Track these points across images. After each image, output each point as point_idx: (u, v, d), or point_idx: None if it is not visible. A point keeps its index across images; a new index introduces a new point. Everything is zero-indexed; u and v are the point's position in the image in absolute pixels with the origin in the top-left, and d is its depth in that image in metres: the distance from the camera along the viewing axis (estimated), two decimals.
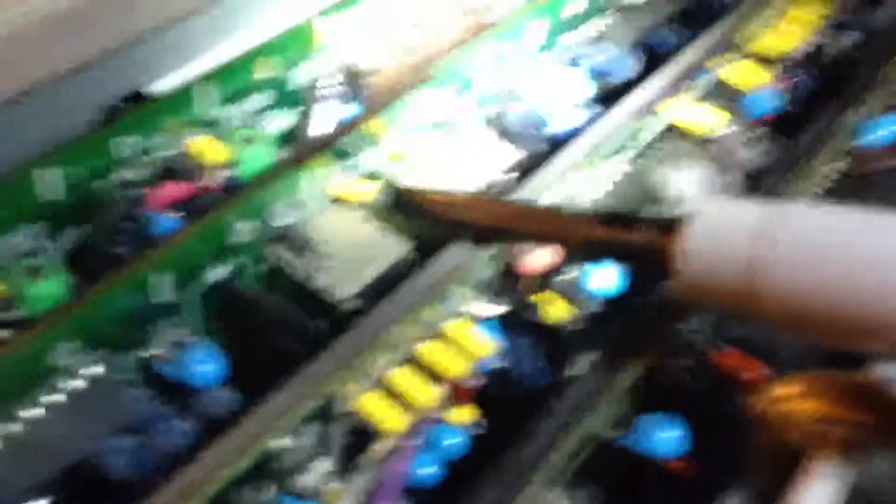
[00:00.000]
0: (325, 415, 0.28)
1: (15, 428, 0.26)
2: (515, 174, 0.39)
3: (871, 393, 0.29)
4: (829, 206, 0.26)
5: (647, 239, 0.28)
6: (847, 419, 0.28)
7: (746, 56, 0.47)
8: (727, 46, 0.44)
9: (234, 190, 0.34)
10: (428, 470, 0.32)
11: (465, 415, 0.32)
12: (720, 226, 0.26)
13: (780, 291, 0.25)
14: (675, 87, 0.41)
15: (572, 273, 0.38)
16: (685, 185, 0.41)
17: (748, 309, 0.26)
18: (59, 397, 0.27)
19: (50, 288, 0.29)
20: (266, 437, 0.26)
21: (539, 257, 0.35)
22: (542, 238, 0.33)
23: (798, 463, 0.29)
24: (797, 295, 0.25)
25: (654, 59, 0.45)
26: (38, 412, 0.27)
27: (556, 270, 0.37)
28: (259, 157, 0.36)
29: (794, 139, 0.44)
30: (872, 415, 0.28)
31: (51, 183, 0.30)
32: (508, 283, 0.35)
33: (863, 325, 0.25)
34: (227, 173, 0.35)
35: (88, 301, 0.27)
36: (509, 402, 0.34)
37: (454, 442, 0.32)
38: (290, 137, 0.40)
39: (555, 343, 0.36)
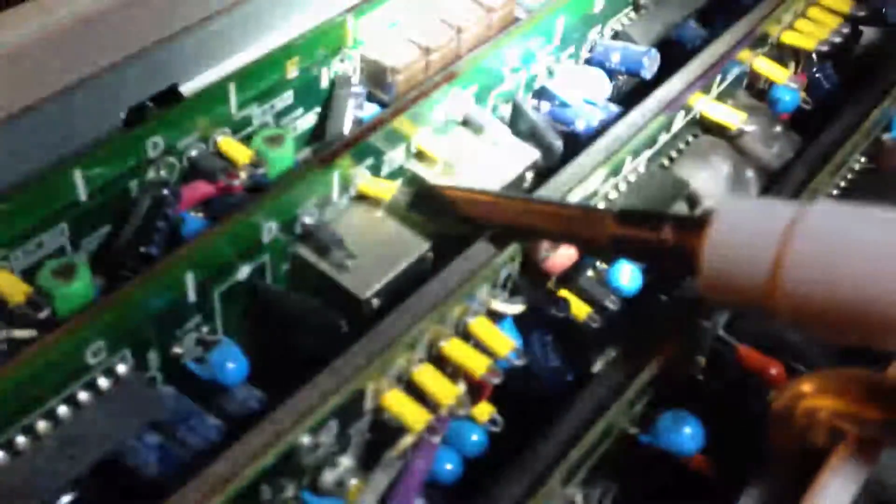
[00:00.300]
0: (348, 411, 0.28)
1: (44, 425, 0.27)
2: (538, 172, 0.39)
3: (891, 390, 0.29)
4: (854, 205, 0.25)
5: (671, 238, 0.28)
6: (866, 417, 0.28)
7: (773, 50, 0.46)
8: (754, 40, 0.43)
9: (261, 189, 0.34)
10: (448, 466, 0.32)
11: (485, 412, 0.32)
12: (745, 225, 0.26)
13: (804, 290, 0.25)
14: (701, 83, 0.40)
15: (592, 271, 0.38)
16: (710, 181, 0.40)
17: (772, 308, 0.26)
18: (88, 395, 0.27)
19: (78, 288, 0.29)
20: (290, 434, 0.26)
21: (562, 255, 0.35)
22: (563, 237, 0.33)
23: (818, 460, 0.29)
24: (822, 294, 0.24)
25: (678, 55, 0.44)
26: (67, 410, 0.27)
27: (576, 269, 0.37)
28: (286, 156, 0.36)
29: (819, 134, 0.44)
30: (892, 412, 0.28)
31: (80, 182, 0.30)
32: (531, 280, 0.35)
33: (888, 325, 0.24)
34: (254, 172, 0.35)
35: (117, 300, 0.28)
36: (530, 400, 0.34)
37: (475, 439, 0.32)
38: (316, 136, 0.40)
39: (576, 340, 0.36)
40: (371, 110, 0.40)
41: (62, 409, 0.27)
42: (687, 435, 0.31)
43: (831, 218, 0.25)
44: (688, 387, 0.34)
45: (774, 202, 0.27)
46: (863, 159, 0.43)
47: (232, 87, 0.35)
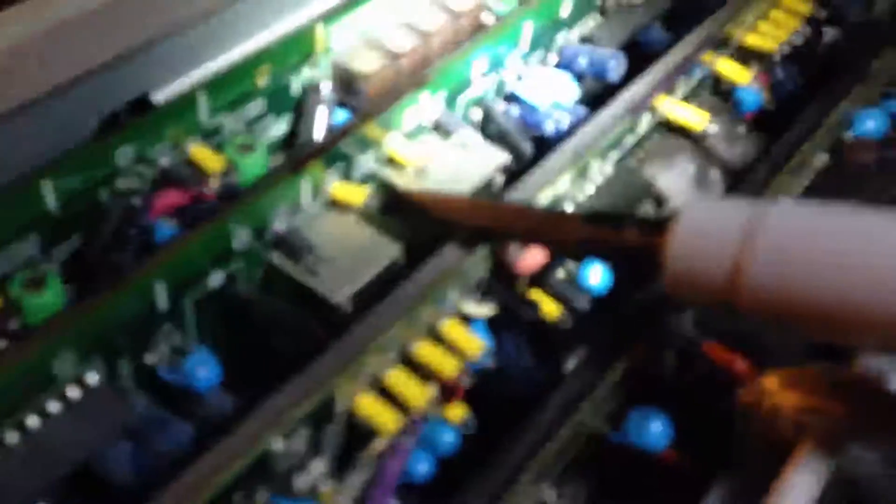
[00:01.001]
0: (321, 416, 0.28)
1: (15, 436, 0.26)
2: (507, 176, 0.39)
3: (854, 385, 0.29)
4: (816, 203, 0.25)
5: (636, 239, 0.28)
6: (829, 412, 0.28)
7: (737, 52, 0.46)
8: (717, 43, 0.43)
9: (233, 197, 0.34)
10: (422, 468, 0.32)
11: (457, 413, 0.31)
12: (707, 224, 0.26)
13: (766, 288, 0.24)
14: (665, 85, 0.40)
15: (563, 272, 0.38)
16: (676, 182, 0.40)
17: (736, 306, 0.25)
18: (60, 405, 0.27)
19: (49, 298, 0.29)
20: (263, 440, 0.25)
21: (532, 256, 0.35)
22: (532, 239, 0.32)
23: (786, 454, 0.29)
24: (785, 292, 0.24)
25: (643, 57, 0.44)
26: (38, 420, 0.26)
27: (547, 269, 0.36)
28: (258, 163, 0.35)
29: (781, 134, 0.44)
30: (855, 407, 0.28)
31: (50, 193, 0.30)
32: (501, 282, 0.34)
33: (850, 322, 0.24)
34: (226, 180, 0.34)
35: (87, 310, 0.27)
36: (501, 401, 0.34)
37: (447, 440, 0.32)
38: (288, 143, 0.39)
39: (546, 341, 0.35)
40: (341, 117, 0.39)
41: (31, 421, 0.26)
42: (656, 431, 0.31)
43: (792, 216, 0.25)
44: (657, 384, 0.34)
45: (736, 202, 0.26)
46: (825, 157, 0.43)
47: (203, 96, 0.34)
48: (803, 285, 0.24)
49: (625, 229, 0.28)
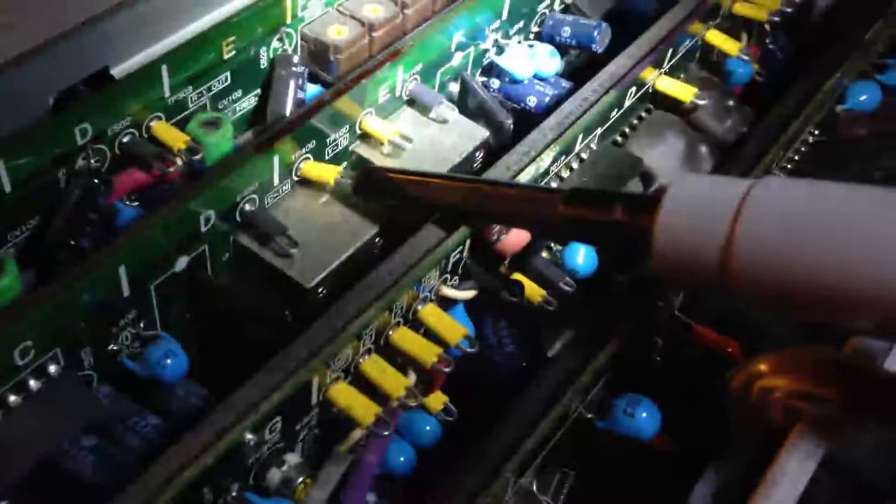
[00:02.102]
0: (294, 406, 0.28)
1: None
2: (487, 152, 0.38)
3: (847, 368, 0.29)
4: (807, 180, 0.25)
5: (623, 218, 0.27)
6: (822, 396, 0.28)
7: (725, 21, 0.46)
8: (706, 12, 0.43)
9: (198, 175, 0.33)
10: (401, 460, 0.32)
11: (439, 401, 0.31)
12: (698, 202, 0.26)
13: (758, 267, 0.24)
14: (653, 57, 0.40)
15: (547, 252, 0.38)
16: (664, 158, 0.40)
17: (727, 285, 0.25)
18: (18, 397, 0.26)
19: (5, 285, 0.28)
20: (232, 432, 0.25)
21: (515, 236, 0.35)
22: (513, 219, 0.32)
23: (778, 438, 0.29)
24: (776, 271, 0.24)
25: (628, 26, 0.44)
26: None
27: (531, 249, 0.36)
28: (224, 141, 0.35)
29: (772, 106, 0.44)
30: (847, 390, 0.28)
31: (3, 173, 0.29)
32: (482, 263, 0.34)
33: (842, 302, 0.24)
34: (191, 158, 0.34)
35: (46, 297, 0.27)
36: (483, 387, 0.34)
37: (428, 430, 0.32)
38: (256, 118, 0.39)
39: (531, 324, 0.35)
40: (312, 90, 0.39)
41: None
42: (643, 419, 0.31)
43: (782, 192, 0.25)
44: (644, 369, 0.34)
45: (726, 178, 0.26)
46: (816, 132, 0.43)
47: (164, 69, 0.33)
48: (795, 263, 0.24)
49: (611, 208, 0.28)
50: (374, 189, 0.34)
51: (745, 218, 0.25)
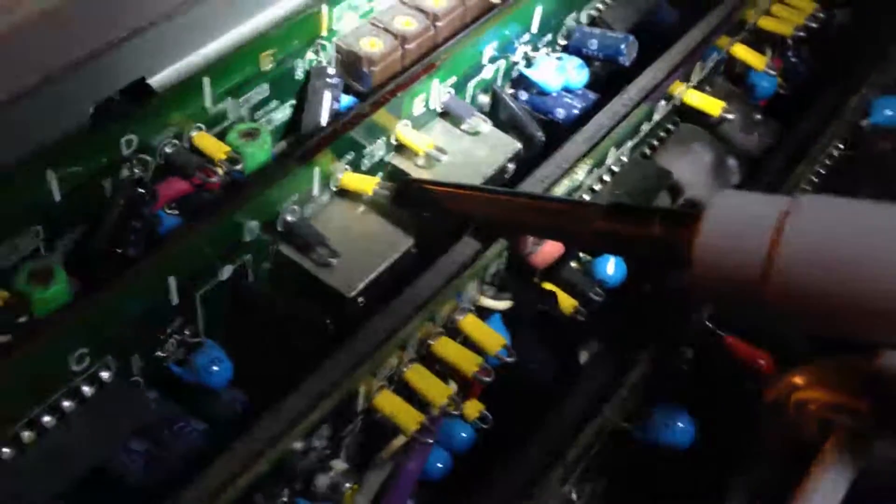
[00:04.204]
0: (341, 414, 0.29)
1: (27, 434, 0.26)
2: (521, 164, 0.39)
3: (882, 381, 0.29)
4: (847, 198, 0.26)
5: (662, 232, 0.28)
6: (857, 408, 0.29)
7: (748, 35, 0.47)
8: (732, 26, 0.44)
9: (236, 185, 0.34)
10: (437, 465, 0.33)
11: (475, 409, 0.32)
12: (737, 218, 0.27)
13: (797, 282, 0.25)
14: (682, 70, 0.41)
15: (576, 262, 0.39)
16: (693, 171, 0.41)
17: (764, 300, 0.26)
18: (70, 402, 0.27)
19: (56, 292, 0.29)
20: (284, 440, 0.26)
21: (549, 248, 0.36)
22: (550, 231, 0.33)
23: (812, 452, 0.30)
24: (814, 288, 0.25)
25: (656, 41, 0.45)
26: (49, 418, 0.27)
27: (561, 259, 0.37)
28: (262, 151, 0.36)
29: (796, 120, 0.45)
30: (882, 403, 0.29)
31: (53, 183, 0.30)
32: (517, 275, 0.35)
33: (880, 318, 0.25)
34: (230, 168, 0.35)
35: (101, 304, 0.28)
36: (518, 396, 0.34)
37: (466, 437, 0.33)
38: (291, 129, 0.40)
39: (563, 333, 0.36)
40: (345, 101, 0.40)
41: (46, 419, 0.27)
42: (680, 429, 0.32)
43: (823, 210, 0.26)
44: (676, 379, 0.35)
45: (765, 195, 0.27)
46: (841, 146, 0.44)
47: (206, 81, 0.34)
48: (835, 278, 0.25)
49: (649, 223, 0.29)
50: (412, 200, 0.35)
51: (786, 235, 0.25)
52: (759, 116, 0.45)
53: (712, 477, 0.33)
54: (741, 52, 0.46)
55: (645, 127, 0.40)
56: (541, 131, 0.41)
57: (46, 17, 0.33)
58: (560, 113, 0.43)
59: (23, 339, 0.27)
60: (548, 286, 0.37)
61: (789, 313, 0.27)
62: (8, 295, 0.29)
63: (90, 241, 0.32)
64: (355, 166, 0.36)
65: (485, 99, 0.43)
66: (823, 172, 0.43)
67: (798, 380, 0.29)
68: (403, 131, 0.37)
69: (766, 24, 0.47)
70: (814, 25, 0.48)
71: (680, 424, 0.32)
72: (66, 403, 0.27)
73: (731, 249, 0.26)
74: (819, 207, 0.26)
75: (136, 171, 0.34)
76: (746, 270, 0.26)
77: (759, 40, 0.48)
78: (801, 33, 0.47)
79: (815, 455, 0.29)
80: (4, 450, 0.26)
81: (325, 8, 0.38)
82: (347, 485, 0.28)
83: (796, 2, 0.48)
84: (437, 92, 0.39)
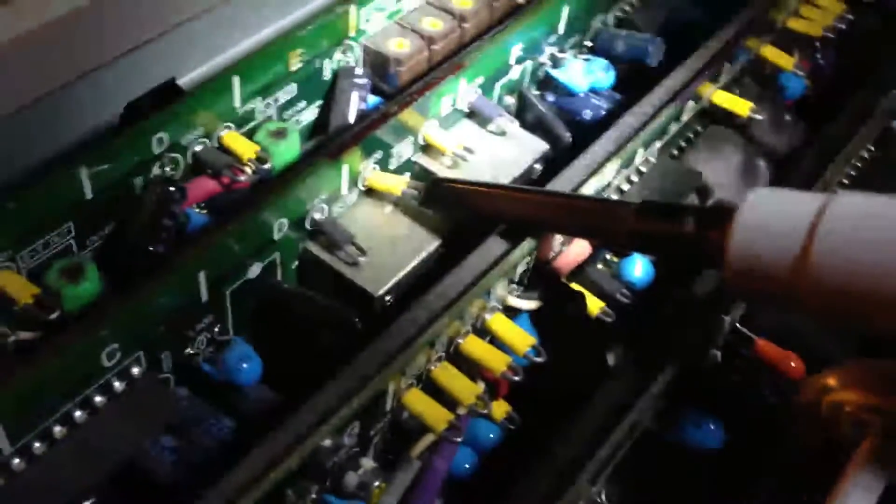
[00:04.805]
0: (370, 412, 0.28)
1: (58, 429, 0.27)
2: (547, 165, 0.39)
3: None
4: (883, 196, 0.26)
5: (695, 231, 0.28)
6: (891, 408, 0.29)
7: (778, 37, 0.47)
8: (760, 27, 0.44)
9: (264, 184, 0.34)
10: (464, 464, 0.33)
11: (502, 409, 0.32)
12: (771, 216, 0.26)
13: (832, 279, 0.25)
14: (709, 71, 0.41)
15: (603, 263, 0.38)
16: (721, 172, 0.41)
17: (799, 298, 0.26)
18: (104, 398, 0.27)
19: (87, 289, 0.29)
20: (315, 436, 0.26)
21: (575, 249, 0.35)
22: (581, 230, 0.33)
23: (846, 454, 0.29)
24: (850, 285, 0.25)
25: (682, 42, 0.44)
26: (82, 414, 0.27)
27: (587, 261, 0.37)
28: (290, 150, 0.36)
29: (823, 121, 0.44)
30: None
31: (86, 180, 0.30)
32: (544, 274, 0.35)
33: None
34: (259, 167, 0.35)
35: (134, 301, 0.28)
36: (545, 396, 0.34)
37: (494, 436, 0.33)
38: (318, 128, 0.40)
39: (592, 336, 0.36)
40: (371, 101, 0.40)
41: (78, 413, 0.27)
42: (710, 431, 0.32)
43: (858, 207, 0.26)
44: (707, 382, 0.35)
45: (799, 193, 0.27)
46: (872, 148, 0.44)
47: (236, 81, 0.35)
48: (870, 276, 0.25)
49: (682, 221, 0.29)
50: (441, 200, 0.35)
51: (821, 232, 0.25)
52: (787, 117, 0.45)
53: (741, 479, 0.33)
54: (770, 52, 0.45)
55: (673, 127, 0.40)
56: (568, 133, 0.41)
57: (78, 16, 0.33)
58: (587, 114, 0.43)
59: (58, 333, 0.27)
60: (578, 287, 0.37)
61: (824, 311, 0.26)
62: (40, 291, 0.29)
63: (121, 238, 0.33)
64: (383, 165, 0.36)
65: (510, 100, 0.43)
66: (853, 174, 0.42)
67: (832, 381, 0.29)
68: (431, 131, 0.37)
69: (795, 24, 0.47)
70: (842, 27, 0.48)
71: (710, 426, 0.32)
72: (97, 398, 0.27)
73: (766, 247, 0.26)
74: (854, 204, 0.26)
75: (167, 169, 0.34)
76: (781, 268, 0.26)
77: (786, 41, 0.48)
78: (831, 35, 0.47)
79: (847, 457, 0.29)
80: (36, 444, 0.26)
81: (353, 9, 0.38)
82: (376, 483, 0.28)
83: (825, 3, 0.48)
84: (465, 92, 0.39)
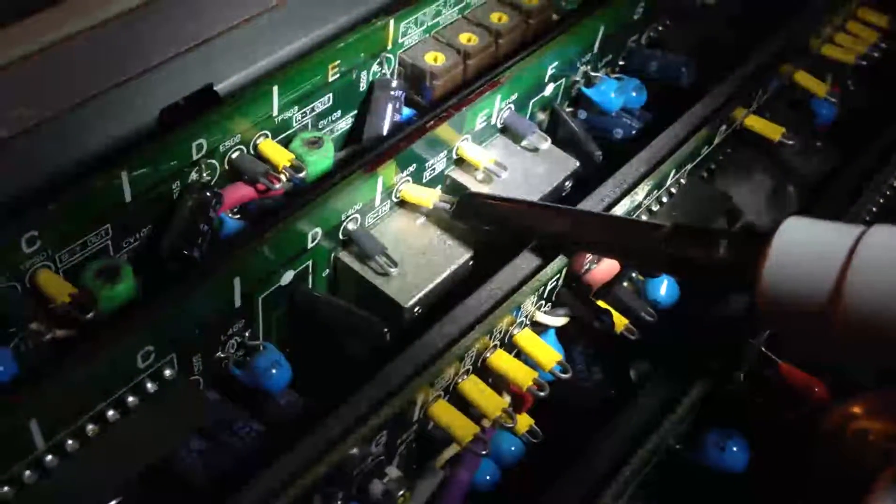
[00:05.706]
0: (398, 422, 0.29)
1: (91, 428, 0.27)
2: (578, 182, 0.39)
3: None
4: None
5: (727, 255, 0.28)
6: None
7: (807, 60, 0.47)
8: (795, 53, 0.44)
9: (298, 192, 0.35)
10: (486, 477, 0.33)
11: (525, 424, 0.32)
12: (806, 245, 0.26)
13: (865, 314, 0.25)
14: (742, 95, 0.41)
15: (628, 281, 0.38)
16: (751, 195, 0.41)
17: (830, 330, 0.26)
18: (136, 399, 0.28)
19: (123, 290, 0.30)
20: (344, 444, 0.26)
21: (604, 267, 0.36)
22: (613, 250, 0.33)
23: (869, 481, 0.29)
24: (884, 318, 0.25)
25: (714, 62, 0.44)
26: (115, 414, 0.27)
27: (616, 281, 0.37)
28: (324, 159, 0.36)
29: (854, 147, 0.44)
30: None
31: (126, 184, 0.31)
32: (572, 291, 0.35)
33: None
34: (293, 175, 0.35)
35: (168, 302, 0.28)
36: (570, 412, 0.34)
37: (515, 450, 0.33)
38: (352, 138, 0.40)
39: (616, 353, 0.36)
40: (405, 113, 0.40)
41: (111, 413, 0.27)
42: (734, 453, 0.32)
43: (894, 240, 0.26)
44: (731, 404, 0.35)
45: (835, 223, 0.27)
46: None
47: (275, 90, 0.35)
48: None
49: (715, 246, 0.29)
50: (474, 214, 0.35)
51: (856, 265, 0.25)
52: (818, 143, 0.45)
53: (764, 502, 0.33)
54: (803, 78, 0.45)
55: (705, 150, 0.40)
56: (599, 151, 0.41)
57: (117, 23, 0.33)
58: (618, 132, 0.43)
59: (94, 333, 0.27)
60: (605, 305, 0.37)
61: (856, 343, 0.26)
62: (76, 291, 0.29)
63: (157, 241, 0.33)
64: (417, 178, 0.36)
65: (542, 116, 0.43)
66: (881, 202, 0.42)
67: (857, 409, 0.29)
68: (464, 146, 0.38)
69: (829, 51, 0.47)
70: (875, 55, 0.48)
71: (733, 448, 0.32)
72: (130, 399, 0.28)
73: (800, 276, 0.26)
74: (890, 237, 0.26)
75: (204, 174, 0.34)
76: (814, 298, 0.26)
77: (820, 67, 0.48)
78: (863, 62, 0.47)
79: (871, 484, 0.29)
80: (69, 442, 0.26)
81: (391, 22, 0.39)
82: (400, 492, 0.28)
83: (859, 31, 0.48)
84: (499, 108, 0.39)
